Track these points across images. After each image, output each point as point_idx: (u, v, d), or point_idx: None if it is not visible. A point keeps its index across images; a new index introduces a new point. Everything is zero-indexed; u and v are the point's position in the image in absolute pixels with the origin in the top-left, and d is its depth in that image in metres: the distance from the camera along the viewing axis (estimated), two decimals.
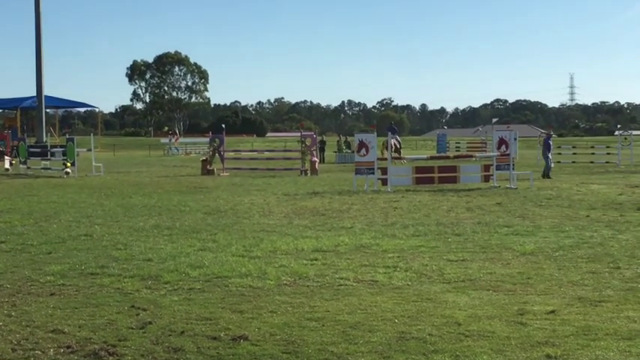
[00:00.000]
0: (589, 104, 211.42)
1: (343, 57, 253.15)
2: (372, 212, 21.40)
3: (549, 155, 35.56)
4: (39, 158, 45.67)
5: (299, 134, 48.80)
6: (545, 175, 34.26)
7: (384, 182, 29.21)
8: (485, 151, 37.30)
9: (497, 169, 30.36)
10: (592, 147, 56.54)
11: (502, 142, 31.81)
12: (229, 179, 37.03)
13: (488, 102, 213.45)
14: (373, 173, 29.60)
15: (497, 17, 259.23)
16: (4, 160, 47.35)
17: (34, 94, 57.17)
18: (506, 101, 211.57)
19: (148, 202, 25.21)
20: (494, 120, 60.69)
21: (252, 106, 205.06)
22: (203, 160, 43.53)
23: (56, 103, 71.04)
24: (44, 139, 54.04)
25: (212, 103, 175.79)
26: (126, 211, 22.37)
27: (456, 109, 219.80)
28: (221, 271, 12.61)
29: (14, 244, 15.79)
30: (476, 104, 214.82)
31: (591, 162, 49.21)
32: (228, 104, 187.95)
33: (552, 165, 34.99)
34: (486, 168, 30.68)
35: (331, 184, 32.58)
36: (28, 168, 44.40)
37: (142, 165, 54.31)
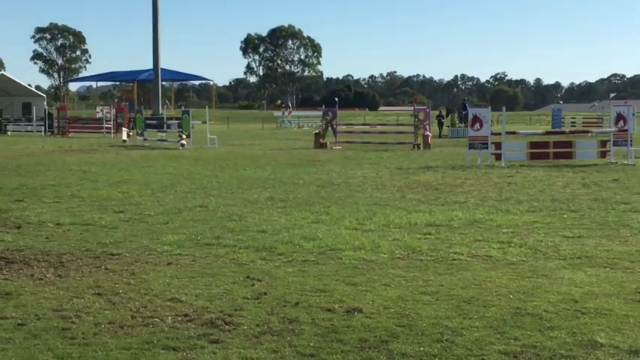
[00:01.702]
0: None
1: (456, 32, 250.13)
2: (486, 187, 21.22)
3: None
4: (155, 130, 46.36)
5: (412, 108, 48.66)
6: None
7: (498, 157, 28.92)
8: (602, 126, 36.53)
9: (614, 145, 29.79)
10: None
11: (620, 117, 31.13)
12: (341, 152, 37.10)
13: (605, 77, 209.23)
14: (487, 148, 29.34)
15: None
16: (121, 132, 48.23)
17: (151, 67, 58.02)
18: (623, 76, 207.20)
19: (261, 174, 25.43)
20: (611, 95, 59.63)
21: (364, 79, 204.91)
22: (316, 134, 43.71)
23: (172, 76, 72.04)
24: (160, 112, 54.82)
25: (325, 76, 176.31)
26: (240, 183, 22.61)
27: (572, 83, 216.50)
28: (334, 244, 12.66)
29: (132, 214, 16.10)
30: (592, 79, 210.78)
31: None
32: (340, 78, 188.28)
33: None
34: (603, 144, 30.10)
35: (444, 158, 32.40)
36: (145, 140, 45.15)
37: (255, 138, 54.77)
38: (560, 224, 14.82)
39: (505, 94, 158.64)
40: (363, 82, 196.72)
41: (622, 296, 9.26)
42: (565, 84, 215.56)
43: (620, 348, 7.33)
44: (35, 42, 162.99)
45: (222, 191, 20.25)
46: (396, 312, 8.59)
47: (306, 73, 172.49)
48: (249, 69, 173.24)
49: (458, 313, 8.53)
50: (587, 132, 37.17)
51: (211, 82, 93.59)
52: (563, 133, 39.11)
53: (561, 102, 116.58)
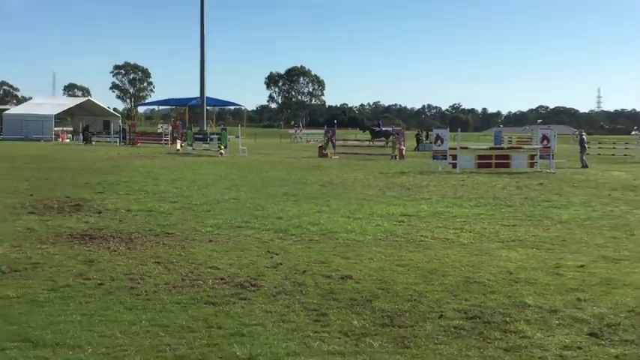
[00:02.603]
0: (612, 110, 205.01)
1: (424, 70, 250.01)
2: (445, 188, 21.19)
3: (585, 149, 34.48)
4: (201, 142, 46.42)
5: (390, 129, 48.76)
6: (584, 165, 33.02)
7: (454, 166, 28.91)
8: (531, 144, 36.58)
9: (540, 158, 29.83)
10: (614, 143, 54.71)
11: (544, 137, 31.30)
12: (339, 161, 37.09)
13: (534, 107, 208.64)
14: (446, 159, 29.40)
15: (544, 39, 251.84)
16: (176, 143, 48.31)
17: (198, 95, 58.04)
18: (547, 107, 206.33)
19: (279, 175, 25.43)
20: (538, 121, 59.54)
21: (356, 107, 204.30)
22: (319, 147, 43.66)
23: (214, 102, 71.90)
24: (205, 128, 54.77)
25: (327, 104, 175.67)
26: (263, 182, 22.61)
27: (509, 112, 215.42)
28: (332, 228, 12.65)
29: (183, 204, 16.10)
30: (524, 109, 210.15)
31: (613, 154, 47.82)
32: (338, 105, 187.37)
33: (583, 157, 33.89)
34: (532, 157, 30.19)
35: (414, 166, 32.36)
36: (193, 149, 45.17)
37: (274, 149, 54.78)
38: (499, 216, 14.82)
39: (460, 119, 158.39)
40: (354, 109, 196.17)
41: (545, 269, 9.29)
42: (504, 112, 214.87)
43: (543, 308, 7.35)
44: (113, 76, 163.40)
45: (250, 188, 20.25)
46: (378, 279, 8.60)
47: (313, 101, 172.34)
48: (271, 98, 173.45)
49: (423, 280, 8.54)
50: (520, 148, 37.01)
51: (243, 107, 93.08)
52: (502, 148, 39.05)
53: (501, 125, 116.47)
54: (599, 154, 47.49)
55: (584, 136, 36.08)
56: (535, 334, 6.48)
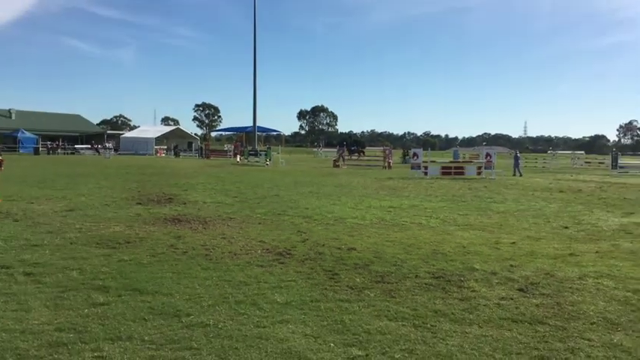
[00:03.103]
0: (534, 136, 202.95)
1: (406, 103, 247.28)
2: (419, 189, 21.07)
3: (519, 164, 34.21)
4: (253, 156, 46.49)
5: (382, 149, 48.62)
6: (518, 174, 32.57)
7: (426, 173, 28.75)
8: (479, 159, 36.27)
9: (485, 169, 29.54)
10: (535, 159, 54.25)
11: (488, 154, 30.95)
12: (347, 170, 36.99)
13: (480, 133, 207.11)
14: (419, 168, 29.24)
15: (491, 84, 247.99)
16: (236, 157, 48.43)
17: (251, 124, 58.21)
18: (490, 133, 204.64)
19: (306, 179, 25.40)
20: (483, 143, 59.05)
21: (358, 133, 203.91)
22: (333, 160, 43.60)
23: (262, 129, 71.70)
24: (256, 147, 54.82)
25: (339, 131, 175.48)
26: (296, 183, 22.60)
27: (464, 136, 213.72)
28: (342, 215, 12.61)
29: (240, 198, 16.12)
30: (474, 135, 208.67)
31: (535, 166, 47.40)
32: (346, 131, 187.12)
33: (519, 169, 33.53)
34: (479, 168, 29.89)
35: (398, 174, 32.20)
36: (248, 161, 45.23)
37: (303, 162, 54.66)
38: (456, 208, 14.70)
39: (430, 142, 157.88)
40: (358, 134, 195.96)
41: (488, 245, 9.20)
42: (460, 137, 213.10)
43: (487, 271, 7.28)
44: (194, 111, 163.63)
45: (287, 188, 20.25)
46: (373, 250, 8.56)
47: (329, 129, 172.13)
48: (300, 127, 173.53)
49: (404, 251, 8.49)
50: (471, 162, 36.72)
51: (282, 133, 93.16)
52: (459, 162, 38.68)
53: (458, 146, 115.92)
54: (525, 166, 47.09)
55: (518, 154, 35.75)
56: (481, 289, 6.43)
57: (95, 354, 4.43)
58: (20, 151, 59.01)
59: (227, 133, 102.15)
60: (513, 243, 9.44)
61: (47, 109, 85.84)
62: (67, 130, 75.82)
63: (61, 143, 64.45)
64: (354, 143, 63.61)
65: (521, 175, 32.00)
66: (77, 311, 5.39)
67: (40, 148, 60.25)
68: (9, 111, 75.60)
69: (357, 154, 52.30)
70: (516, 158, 34.70)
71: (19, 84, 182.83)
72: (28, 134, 64.54)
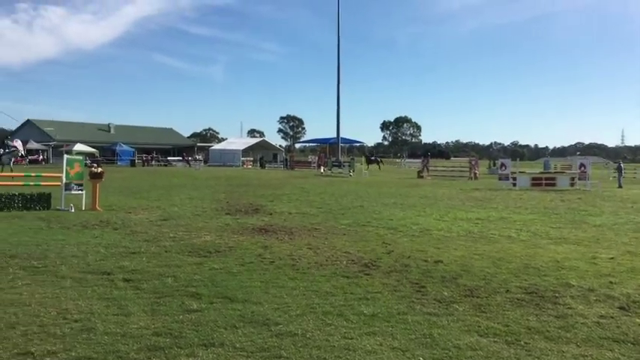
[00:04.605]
0: (632, 145, 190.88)
1: (492, 113, 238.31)
2: (507, 200, 20.39)
3: (622, 174, 32.36)
4: (337, 167, 46.79)
5: (467, 159, 47.49)
6: (619, 185, 30.79)
7: (515, 184, 27.78)
8: (571, 169, 34.44)
9: (579, 180, 28.17)
10: (634, 169, 51.00)
11: (582, 164, 29.55)
12: (431, 180, 36.45)
13: (573, 143, 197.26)
14: (508, 179, 28.27)
15: (586, 92, 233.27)
16: (320, 168, 48.93)
17: (335, 135, 58.66)
18: (583, 143, 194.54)
19: (389, 190, 25.26)
20: (577, 153, 56.22)
21: (443, 143, 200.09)
22: (418, 171, 43.11)
23: (345, 141, 72.08)
24: (339, 158, 55.10)
25: (422, 142, 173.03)
26: (379, 194, 22.52)
27: (554, 146, 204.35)
28: (428, 227, 12.44)
29: (325, 210, 16.25)
30: (565, 144, 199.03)
31: (634, 177, 44.57)
32: (430, 142, 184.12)
33: (621, 180, 31.68)
34: (572, 179, 28.55)
35: (485, 185, 31.33)
36: (332, 172, 45.59)
37: (386, 172, 54.35)
38: (548, 221, 14.11)
39: (518, 152, 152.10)
40: (442, 144, 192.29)
41: (584, 260, 8.75)
42: (551, 147, 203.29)
43: (583, 287, 6.93)
44: (279, 123, 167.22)
45: (370, 199, 20.23)
46: (460, 263, 8.37)
47: (413, 140, 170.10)
48: (384, 138, 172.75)
49: (493, 265, 8.24)
50: (564, 172, 35.08)
51: (365, 144, 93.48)
52: (550, 172, 37.10)
53: (549, 156, 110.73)
54: (623, 177, 44.43)
55: (622, 165, 33.83)
56: (578, 307, 6.11)
57: (190, 359, 4.60)
58: (118, 163, 62.83)
59: (311, 144, 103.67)
60: (612, 258, 8.91)
61: (142, 123, 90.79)
62: (161, 143, 79.88)
63: (154, 155, 67.99)
64: (372, 154, 63.94)
65: (620, 187, 30.17)
66: (172, 317, 5.63)
67: (136, 161, 63.80)
68: (108, 125, 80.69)
69: (376, 164, 52.95)
70: (620, 169, 32.80)
71: (117, 99, 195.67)
72: (125, 147, 68.59)
